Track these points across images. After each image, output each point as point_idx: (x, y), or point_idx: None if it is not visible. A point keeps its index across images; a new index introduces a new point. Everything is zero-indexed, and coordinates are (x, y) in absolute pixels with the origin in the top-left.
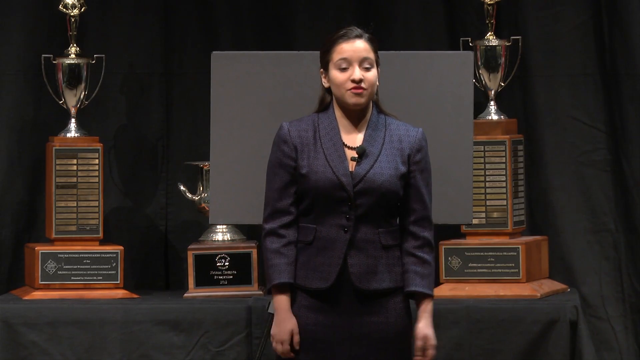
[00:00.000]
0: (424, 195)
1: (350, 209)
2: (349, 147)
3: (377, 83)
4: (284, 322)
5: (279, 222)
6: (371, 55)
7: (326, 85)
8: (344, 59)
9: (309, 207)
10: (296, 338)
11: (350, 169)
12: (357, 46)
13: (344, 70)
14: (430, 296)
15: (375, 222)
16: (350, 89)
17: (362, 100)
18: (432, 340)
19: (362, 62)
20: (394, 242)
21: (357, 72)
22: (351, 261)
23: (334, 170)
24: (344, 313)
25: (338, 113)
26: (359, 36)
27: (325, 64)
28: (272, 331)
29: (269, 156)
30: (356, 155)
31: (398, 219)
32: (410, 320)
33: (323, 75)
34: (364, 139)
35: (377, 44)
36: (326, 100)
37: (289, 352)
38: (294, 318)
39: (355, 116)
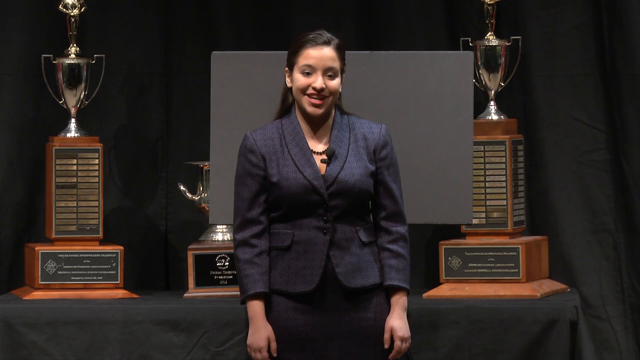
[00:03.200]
0: (394, 191)
1: (326, 210)
2: (315, 152)
3: (340, 90)
4: (260, 330)
5: (250, 231)
6: (336, 64)
7: (289, 85)
8: (309, 66)
9: (284, 213)
10: (273, 345)
11: (321, 172)
12: (323, 53)
13: (307, 75)
14: (404, 289)
15: (351, 221)
16: (309, 96)
17: (319, 111)
18: (400, 332)
19: (326, 70)
20: (371, 238)
21: (319, 81)
22: (335, 261)
23: (305, 175)
24: (331, 312)
25: (301, 117)
26: (326, 42)
27: (290, 65)
28: (248, 341)
29: (236, 166)
30: (326, 157)
31: (371, 216)
32: None
33: (287, 74)
34: (331, 140)
35: (344, 50)
36: (288, 100)
37: None
38: (269, 326)
39: (318, 120)
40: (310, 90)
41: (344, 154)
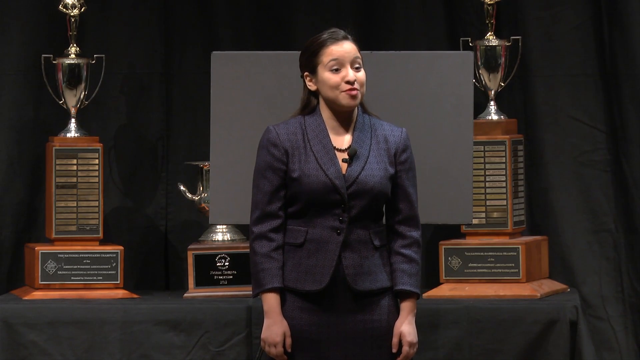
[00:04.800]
0: (411, 195)
1: (344, 211)
2: (338, 150)
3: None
4: (276, 325)
5: (269, 225)
6: (359, 55)
7: (313, 88)
8: (336, 61)
9: (300, 210)
10: (288, 341)
11: (342, 172)
12: (346, 47)
13: (336, 71)
14: (415, 295)
15: (365, 223)
16: (344, 91)
17: (356, 102)
18: (409, 337)
19: (353, 62)
20: (383, 241)
21: (350, 73)
22: (346, 262)
23: (326, 173)
24: (337, 313)
25: (326, 115)
26: (345, 37)
27: (312, 67)
28: (263, 335)
29: (256, 159)
30: (347, 157)
31: (384, 219)
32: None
33: (308, 78)
34: (353, 140)
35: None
36: (312, 103)
37: (282, 355)
38: (285, 321)
39: (343, 118)
40: (344, 86)
41: (365, 154)
